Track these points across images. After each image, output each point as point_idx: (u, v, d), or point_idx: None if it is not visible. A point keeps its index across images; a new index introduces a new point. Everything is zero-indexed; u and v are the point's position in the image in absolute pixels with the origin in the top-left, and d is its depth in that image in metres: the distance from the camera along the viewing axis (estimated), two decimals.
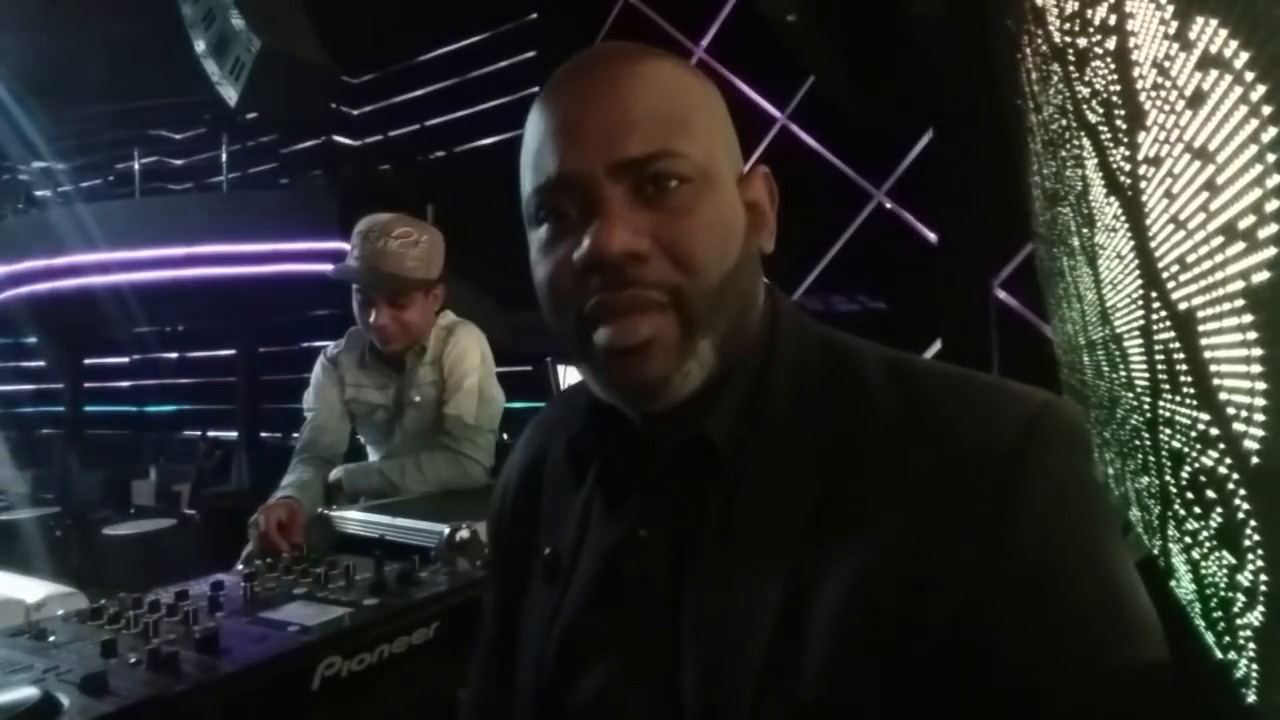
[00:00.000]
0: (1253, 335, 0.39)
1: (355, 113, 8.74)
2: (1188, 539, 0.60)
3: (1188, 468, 0.56)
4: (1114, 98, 0.61)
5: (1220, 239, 0.41)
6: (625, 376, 0.53)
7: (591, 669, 0.56)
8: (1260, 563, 0.43)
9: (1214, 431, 0.48)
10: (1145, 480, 0.77)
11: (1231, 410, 0.44)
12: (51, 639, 0.90)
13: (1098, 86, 0.67)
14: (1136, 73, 0.52)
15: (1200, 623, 0.58)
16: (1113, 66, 0.59)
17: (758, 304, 0.57)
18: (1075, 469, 0.47)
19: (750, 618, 0.48)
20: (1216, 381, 0.46)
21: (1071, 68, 0.80)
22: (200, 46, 6.38)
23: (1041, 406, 0.47)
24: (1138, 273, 0.65)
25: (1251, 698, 0.47)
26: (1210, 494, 0.51)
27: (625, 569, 0.56)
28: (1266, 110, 0.33)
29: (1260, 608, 0.44)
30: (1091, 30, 0.66)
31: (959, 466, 0.46)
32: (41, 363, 10.15)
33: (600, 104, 0.51)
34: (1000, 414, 0.48)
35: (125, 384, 10.12)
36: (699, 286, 0.51)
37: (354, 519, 1.46)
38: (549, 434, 0.70)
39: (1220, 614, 0.52)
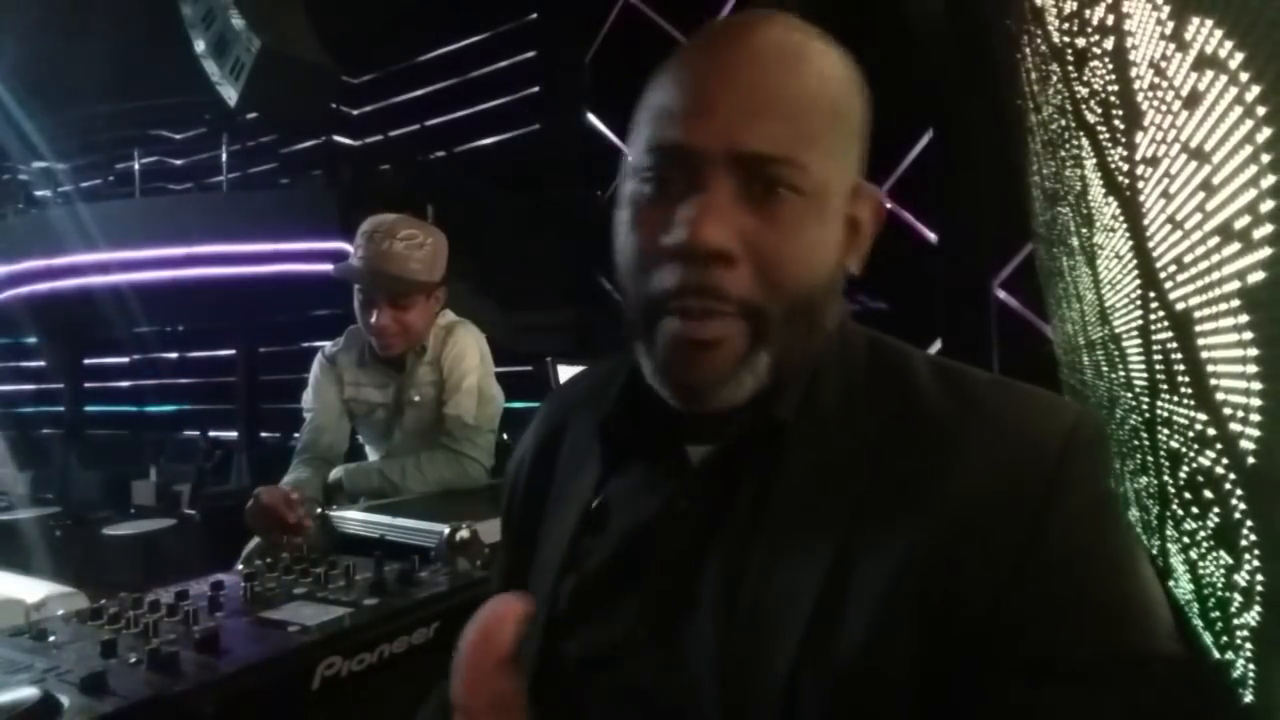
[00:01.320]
0: (1250, 335, 0.39)
1: (355, 113, 8.73)
2: (1185, 539, 0.60)
3: (1185, 468, 0.57)
4: (1112, 98, 0.61)
5: (1217, 239, 0.41)
6: (681, 368, 0.52)
7: (604, 623, 0.56)
8: (1257, 563, 0.43)
9: (1211, 432, 0.48)
10: (1143, 480, 0.77)
11: (1229, 411, 0.44)
12: (51, 639, 0.90)
13: (1096, 87, 0.67)
14: (1134, 73, 0.52)
15: (1198, 622, 0.58)
16: (1111, 67, 0.59)
17: (828, 326, 0.56)
18: (1107, 475, 0.51)
19: (789, 596, 0.49)
20: (1214, 382, 0.46)
21: (1070, 68, 0.80)
22: (200, 46, 6.37)
23: (1081, 415, 0.51)
24: (1136, 273, 0.65)
25: (1249, 698, 0.47)
26: (1208, 494, 0.51)
27: (658, 536, 0.56)
28: (1262, 110, 0.33)
29: (1257, 608, 0.44)
30: (1090, 30, 0.66)
31: (1004, 458, 0.48)
32: (41, 363, 10.15)
33: (738, 83, 0.49)
34: (1044, 416, 0.50)
35: (125, 384, 10.11)
36: (777, 306, 0.51)
37: (354, 519, 1.46)
38: (566, 409, 0.70)
39: (1217, 614, 0.52)
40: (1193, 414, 0.52)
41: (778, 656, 0.47)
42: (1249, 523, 0.43)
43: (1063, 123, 0.94)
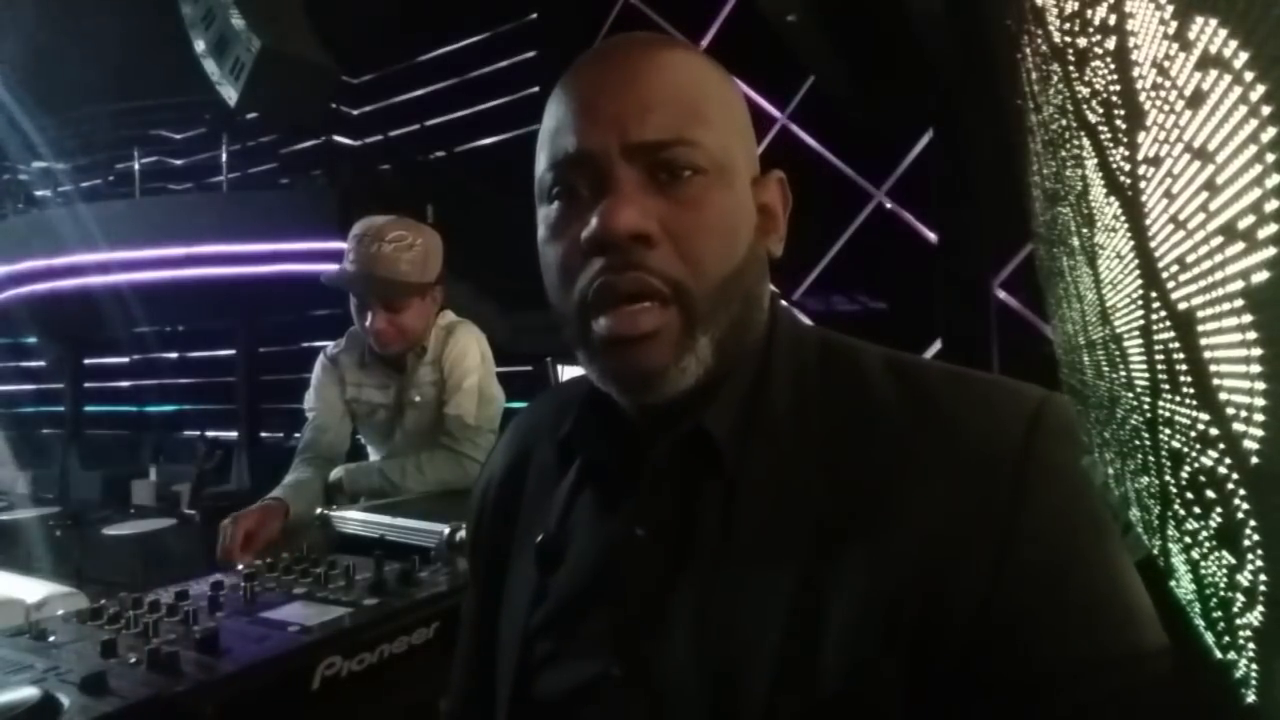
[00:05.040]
0: (1252, 335, 0.39)
1: (355, 113, 8.74)
2: (1187, 539, 0.60)
3: (1187, 468, 0.56)
4: (1114, 98, 0.61)
5: (1220, 239, 0.41)
6: (622, 365, 0.53)
7: (575, 660, 0.56)
8: (1259, 563, 0.43)
9: (1213, 431, 0.48)
10: (1145, 480, 0.77)
11: (1231, 410, 0.44)
12: (51, 639, 0.90)
13: (1097, 86, 0.67)
14: (1136, 72, 0.52)
15: (1200, 623, 0.58)
16: (1112, 66, 0.59)
17: (763, 307, 0.57)
18: (1074, 463, 0.48)
19: (760, 618, 0.48)
20: (1216, 381, 0.46)
21: (1071, 67, 0.80)
22: (200, 46, 6.38)
23: (1041, 403, 0.49)
24: (1137, 273, 0.65)
25: (1251, 698, 0.47)
26: (1210, 494, 0.51)
27: (620, 566, 0.56)
28: (1266, 110, 0.33)
29: (1259, 608, 0.44)
30: (1091, 30, 0.66)
31: (966, 464, 0.47)
32: (41, 363, 10.15)
33: (620, 88, 0.52)
34: (1003, 410, 0.49)
35: (125, 384, 10.12)
36: (702, 283, 0.51)
37: (354, 519, 1.46)
38: (531, 435, 0.70)
39: (1220, 614, 0.52)
40: (1195, 414, 0.52)
41: (754, 691, 0.47)
42: (1252, 522, 0.43)
43: (1064, 122, 0.94)
